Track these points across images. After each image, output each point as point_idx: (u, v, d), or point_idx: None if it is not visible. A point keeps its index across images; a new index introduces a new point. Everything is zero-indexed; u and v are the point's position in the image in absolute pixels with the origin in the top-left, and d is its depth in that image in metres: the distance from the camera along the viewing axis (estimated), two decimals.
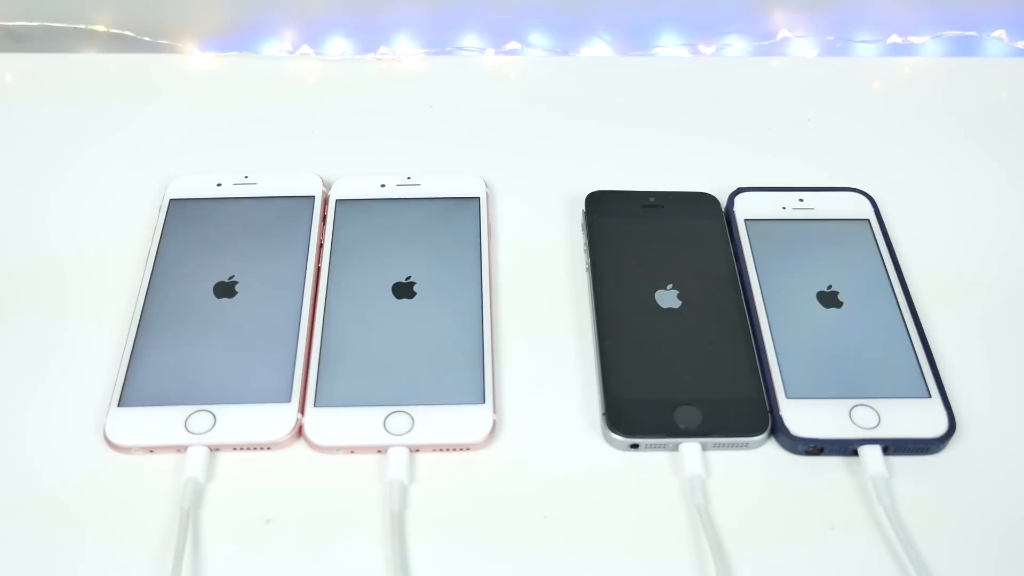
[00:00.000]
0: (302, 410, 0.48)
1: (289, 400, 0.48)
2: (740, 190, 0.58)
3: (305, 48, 0.71)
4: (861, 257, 0.55)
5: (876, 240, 0.55)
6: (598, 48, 0.73)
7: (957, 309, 0.54)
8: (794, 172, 0.61)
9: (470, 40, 0.72)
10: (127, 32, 0.71)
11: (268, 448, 0.47)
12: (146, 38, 0.71)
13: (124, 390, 0.48)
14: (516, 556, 0.44)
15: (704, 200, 0.58)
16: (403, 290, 0.53)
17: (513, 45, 0.72)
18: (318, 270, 0.54)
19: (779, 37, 0.72)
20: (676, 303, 0.52)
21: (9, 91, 0.68)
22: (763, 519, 0.46)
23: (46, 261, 0.56)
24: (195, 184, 0.58)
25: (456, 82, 0.68)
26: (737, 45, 0.72)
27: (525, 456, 0.48)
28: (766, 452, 0.48)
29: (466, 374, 0.49)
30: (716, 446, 0.47)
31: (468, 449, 0.48)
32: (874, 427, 0.47)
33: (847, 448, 0.47)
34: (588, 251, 0.55)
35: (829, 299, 0.53)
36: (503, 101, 0.67)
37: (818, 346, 0.51)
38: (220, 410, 0.48)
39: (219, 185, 0.58)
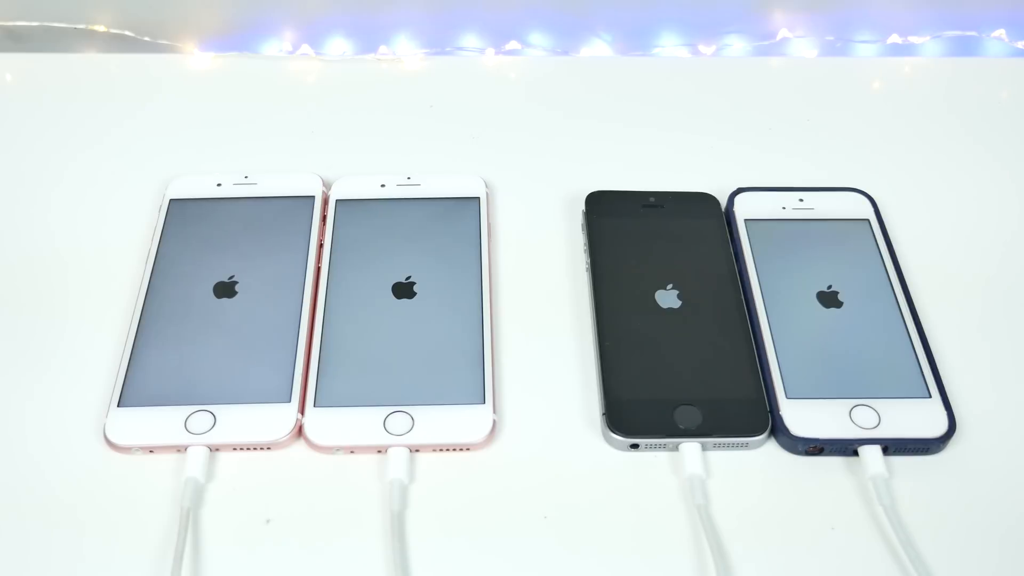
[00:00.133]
0: (302, 410, 0.48)
1: (289, 400, 0.48)
2: (740, 190, 0.58)
3: (305, 48, 0.71)
4: (861, 257, 0.55)
5: (876, 240, 0.55)
6: (598, 48, 0.73)
7: (957, 309, 0.54)
8: (794, 172, 0.61)
9: (470, 40, 0.72)
10: (127, 32, 0.71)
11: (268, 448, 0.47)
12: (146, 38, 0.71)
13: (124, 390, 0.48)
14: (516, 556, 0.44)
15: (704, 200, 0.58)
16: (403, 290, 0.53)
17: (513, 45, 0.72)
18: (318, 270, 0.54)
19: (779, 37, 0.72)
20: (676, 303, 0.52)
21: (9, 91, 0.68)
22: (763, 519, 0.46)
23: (46, 261, 0.56)
24: (195, 184, 0.58)
25: (456, 82, 0.68)
26: (737, 45, 0.72)
27: (525, 456, 0.48)
28: (766, 452, 0.48)
29: (466, 374, 0.49)
30: (716, 446, 0.47)
31: (468, 449, 0.48)
32: (874, 427, 0.47)
33: (847, 448, 0.47)
34: (588, 251, 0.55)
35: (829, 299, 0.53)
36: (503, 101, 0.67)
37: (818, 346, 0.51)
38: (220, 410, 0.48)
39: (219, 185, 0.58)
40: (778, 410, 0.48)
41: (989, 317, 0.54)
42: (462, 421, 0.48)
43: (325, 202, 0.57)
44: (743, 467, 0.47)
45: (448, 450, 0.47)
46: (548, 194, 0.60)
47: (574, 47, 0.73)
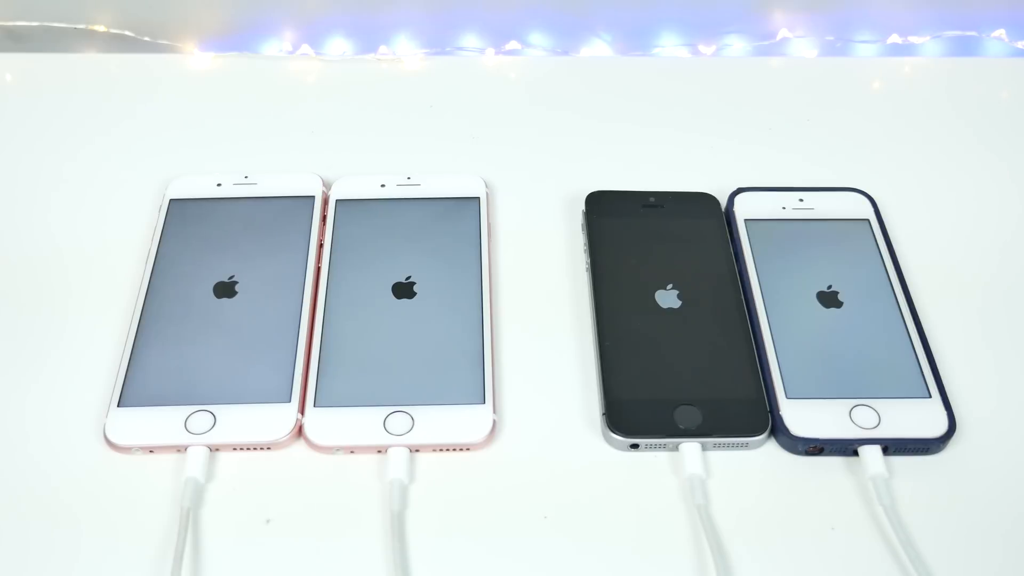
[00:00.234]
0: (302, 410, 0.48)
1: (289, 400, 0.48)
2: (740, 190, 0.58)
3: (305, 48, 0.71)
4: (861, 257, 0.55)
5: (876, 240, 0.55)
6: (598, 48, 0.73)
7: (958, 309, 0.54)
8: (794, 172, 0.61)
9: (470, 40, 0.72)
10: (127, 32, 0.71)
11: (268, 448, 0.47)
12: (146, 38, 0.71)
13: (124, 390, 0.48)
14: (516, 556, 0.44)
15: (704, 200, 0.58)
16: (403, 290, 0.53)
17: (513, 45, 0.72)
18: (318, 270, 0.54)
19: (779, 37, 0.72)
20: (676, 303, 0.52)
21: (9, 91, 0.68)
22: (763, 519, 0.46)
23: (47, 261, 0.56)
24: (195, 184, 0.58)
25: (456, 82, 0.68)
26: (737, 45, 0.72)
27: (525, 456, 0.48)
28: (766, 452, 0.48)
29: (466, 374, 0.49)
30: (716, 446, 0.47)
31: (468, 449, 0.48)
32: (874, 427, 0.47)
33: (847, 448, 0.47)
34: (588, 251, 0.55)
35: (829, 299, 0.53)
36: (503, 101, 0.67)
37: (818, 346, 0.51)
38: (220, 410, 0.48)
39: (219, 185, 0.58)
40: (778, 410, 0.48)
41: (989, 317, 0.54)
42: (462, 421, 0.48)
43: (325, 202, 0.57)
44: (743, 467, 0.47)
45: (448, 450, 0.47)
46: (548, 194, 0.60)
47: (574, 47, 0.73)
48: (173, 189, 0.58)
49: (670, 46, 0.73)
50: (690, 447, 0.47)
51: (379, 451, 0.47)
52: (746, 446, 0.48)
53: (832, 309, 0.52)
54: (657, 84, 0.68)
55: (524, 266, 0.56)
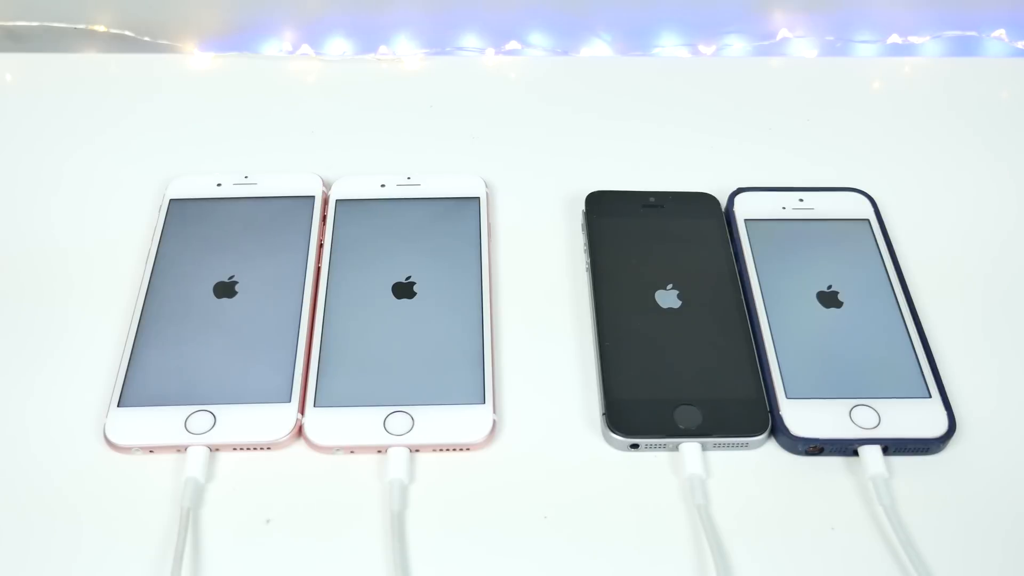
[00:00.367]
0: (302, 410, 0.48)
1: (289, 400, 0.48)
2: (740, 190, 0.58)
3: (305, 48, 0.71)
4: (861, 257, 0.55)
5: (876, 240, 0.55)
6: (598, 48, 0.73)
7: (957, 309, 0.54)
8: (794, 172, 0.61)
9: (470, 40, 0.72)
10: (127, 32, 0.71)
11: (268, 448, 0.47)
12: (146, 38, 0.71)
13: (124, 390, 0.48)
14: (516, 556, 0.44)
15: (704, 200, 0.58)
16: (403, 290, 0.53)
17: (513, 45, 0.72)
18: (318, 270, 0.54)
19: (779, 37, 0.72)
20: (676, 303, 0.52)
21: (9, 91, 0.68)
22: (763, 519, 0.46)
23: (47, 261, 0.56)
24: (195, 184, 0.58)
25: (456, 82, 0.68)
26: (737, 45, 0.72)
27: (525, 456, 0.48)
28: (766, 452, 0.48)
29: (466, 374, 0.49)
30: (716, 446, 0.47)
31: (468, 449, 0.48)
32: (874, 427, 0.47)
33: (847, 448, 0.47)
34: (588, 251, 0.55)
35: (829, 299, 0.53)
36: (503, 101, 0.67)
37: (818, 346, 0.51)
38: (220, 410, 0.48)
39: (219, 185, 0.58)
40: (778, 410, 0.48)
41: (989, 317, 0.54)
42: (462, 421, 0.48)
43: (325, 202, 0.57)
44: (743, 467, 0.47)
45: (448, 450, 0.47)
46: (548, 194, 0.60)
47: (574, 47, 0.73)
48: (173, 189, 0.58)
49: (670, 46, 0.73)
50: (690, 447, 0.47)
51: (379, 451, 0.47)
52: (746, 446, 0.48)
53: (832, 309, 0.52)
54: (657, 84, 0.68)
55: (524, 266, 0.56)
